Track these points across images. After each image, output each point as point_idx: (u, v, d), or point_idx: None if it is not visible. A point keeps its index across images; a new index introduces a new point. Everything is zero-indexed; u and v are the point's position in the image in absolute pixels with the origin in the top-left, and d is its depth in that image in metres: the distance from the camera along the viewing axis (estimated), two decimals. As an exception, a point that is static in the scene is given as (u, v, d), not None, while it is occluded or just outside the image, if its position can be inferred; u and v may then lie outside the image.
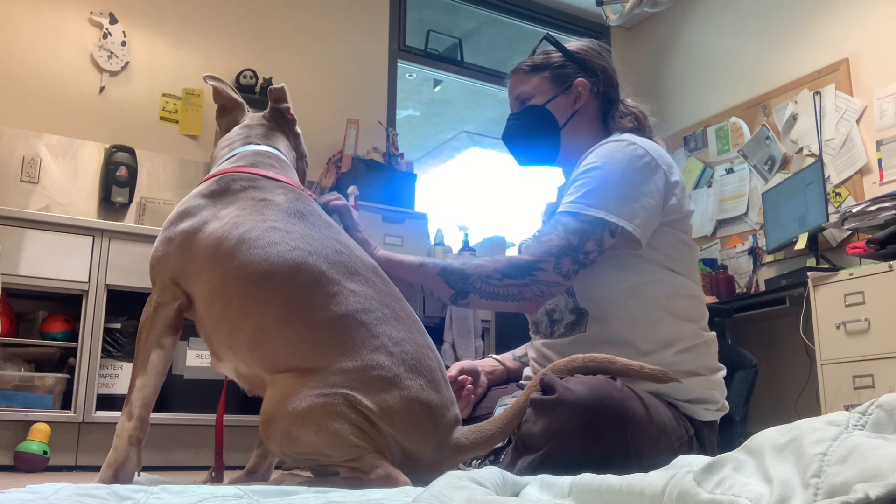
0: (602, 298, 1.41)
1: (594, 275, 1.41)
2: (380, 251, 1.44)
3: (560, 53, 1.61)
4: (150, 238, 3.02)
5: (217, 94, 1.58)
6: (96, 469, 1.28)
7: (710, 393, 1.41)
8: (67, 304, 3.08)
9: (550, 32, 1.73)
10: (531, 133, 1.57)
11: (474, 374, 1.57)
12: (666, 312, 1.41)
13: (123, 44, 3.72)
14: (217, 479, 1.39)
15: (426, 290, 1.41)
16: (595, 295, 1.42)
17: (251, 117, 1.57)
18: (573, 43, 1.65)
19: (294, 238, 1.23)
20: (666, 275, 1.43)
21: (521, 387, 1.51)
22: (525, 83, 1.61)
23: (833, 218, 3.51)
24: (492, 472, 0.83)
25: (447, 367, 1.45)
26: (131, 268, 2.99)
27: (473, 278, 1.35)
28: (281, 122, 1.56)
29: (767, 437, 0.60)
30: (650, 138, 1.55)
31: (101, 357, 2.92)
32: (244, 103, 1.61)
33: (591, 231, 1.35)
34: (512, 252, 4.12)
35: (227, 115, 1.59)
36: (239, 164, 1.39)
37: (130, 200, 3.53)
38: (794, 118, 4.12)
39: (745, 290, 4.20)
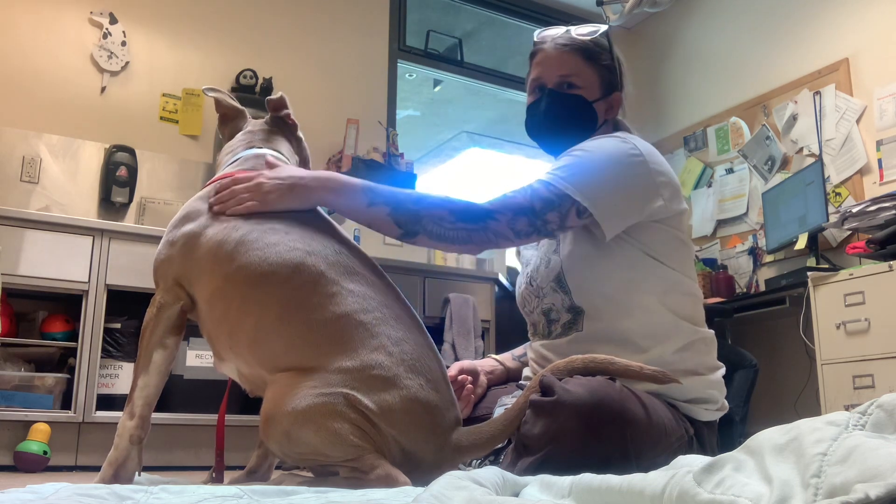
0: (597, 295, 1.41)
1: (588, 272, 1.41)
2: (320, 182, 1.33)
3: (608, 52, 1.57)
4: (150, 238, 3.03)
5: (218, 104, 1.59)
6: (96, 469, 1.28)
7: (709, 392, 1.41)
8: (67, 304, 3.08)
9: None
10: (568, 119, 1.54)
11: (474, 373, 1.57)
12: (662, 308, 1.40)
13: (123, 44, 3.72)
14: (217, 480, 1.39)
15: (372, 227, 1.36)
16: (590, 291, 1.41)
17: (253, 123, 1.58)
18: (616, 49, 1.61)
19: (293, 239, 1.24)
20: (661, 271, 1.43)
21: (521, 387, 1.51)
22: (573, 65, 1.54)
23: (833, 218, 3.51)
24: (492, 472, 0.83)
25: (447, 367, 1.45)
26: (131, 268, 2.99)
27: (426, 220, 1.32)
28: (283, 126, 1.57)
29: (767, 437, 0.60)
30: None
31: (101, 357, 2.92)
32: (245, 111, 1.62)
33: (558, 203, 1.34)
34: (511, 253, 4.12)
35: (230, 123, 1.61)
36: (241, 167, 1.40)
37: (130, 200, 3.53)
38: (794, 118, 4.12)
39: (745, 290, 4.20)
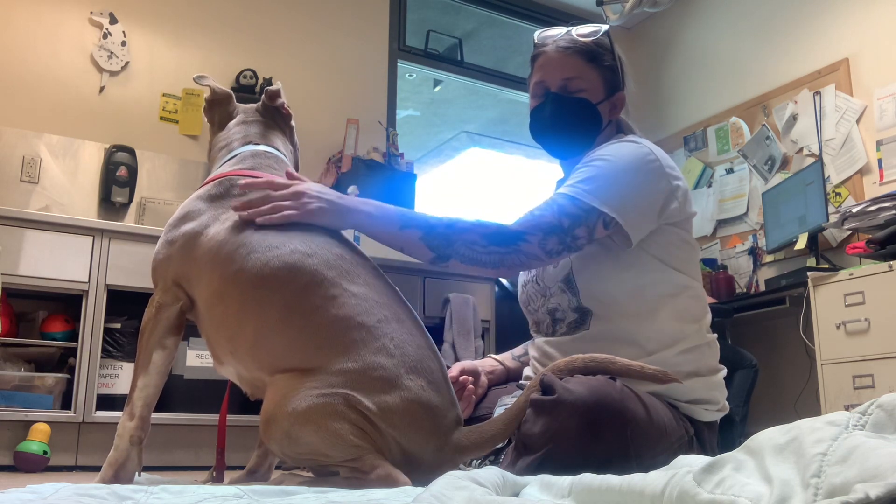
0: (606, 297, 1.41)
1: (598, 273, 1.41)
2: (356, 204, 1.33)
3: (610, 53, 1.56)
4: (150, 238, 3.03)
5: (213, 92, 1.57)
6: (96, 469, 1.28)
7: (710, 393, 1.41)
8: (67, 304, 3.08)
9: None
10: (574, 122, 1.53)
11: (475, 374, 1.58)
12: (669, 311, 1.41)
13: (123, 44, 3.72)
14: (218, 479, 1.39)
15: (404, 251, 1.37)
16: (599, 293, 1.42)
17: (245, 111, 1.55)
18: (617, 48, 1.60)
19: (293, 241, 1.24)
20: (669, 274, 1.43)
21: (521, 387, 1.51)
22: (576, 67, 1.52)
23: (833, 218, 3.51)
24: (492, 472, 0.83)
25: (448, 368, 1.45)
26: (131, 268, 2.99)
27: (458, 244, 1.33)
28: (276, 116, 1.55)
29: (767, 437, 0.60)
30: None
31: (101, 357, 2.92)
32: (232, 94, 1.59)
33: (585, 218, 1.35)
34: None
35: (218, 108, 1.57)
36: (239, 166, 1.39)
37: (130, 200, 3.53)
38: (794, 118, 4.12)
39: (745, 290, 4.20)
